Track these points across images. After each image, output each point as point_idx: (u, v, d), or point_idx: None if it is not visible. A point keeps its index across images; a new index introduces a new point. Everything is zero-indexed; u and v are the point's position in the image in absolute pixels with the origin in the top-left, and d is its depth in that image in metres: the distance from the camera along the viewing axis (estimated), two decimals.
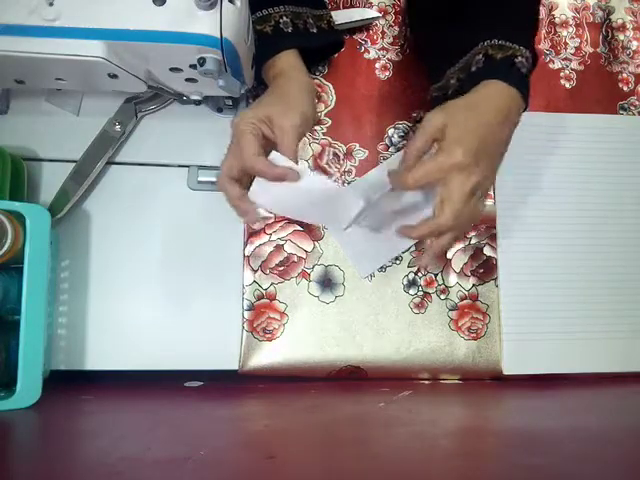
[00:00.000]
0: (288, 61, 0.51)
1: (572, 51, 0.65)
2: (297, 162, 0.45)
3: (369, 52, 0.62)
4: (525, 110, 0.47)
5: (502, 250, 0.59)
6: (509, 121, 0.45)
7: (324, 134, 0.60)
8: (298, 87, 0.49)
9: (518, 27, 0.48)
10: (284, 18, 0.51)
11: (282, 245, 0.57)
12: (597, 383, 0.58)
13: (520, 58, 0.45)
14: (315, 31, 0.53)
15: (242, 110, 0.48)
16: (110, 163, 0.56)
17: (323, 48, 0.55)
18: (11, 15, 0.41)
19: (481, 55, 0.46)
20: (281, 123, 0.45)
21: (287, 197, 0.47)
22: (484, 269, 0.59)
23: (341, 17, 0.59)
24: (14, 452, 0.37)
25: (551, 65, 0.64)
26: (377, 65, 0.62)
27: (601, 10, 0.66)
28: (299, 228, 0.58)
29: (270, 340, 0.56)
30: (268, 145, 0.47)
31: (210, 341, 0.55)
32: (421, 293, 0.58)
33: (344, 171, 0.59)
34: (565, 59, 0.64)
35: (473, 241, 0.59)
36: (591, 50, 0.65)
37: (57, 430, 0.42)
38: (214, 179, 0.58)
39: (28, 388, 0.45)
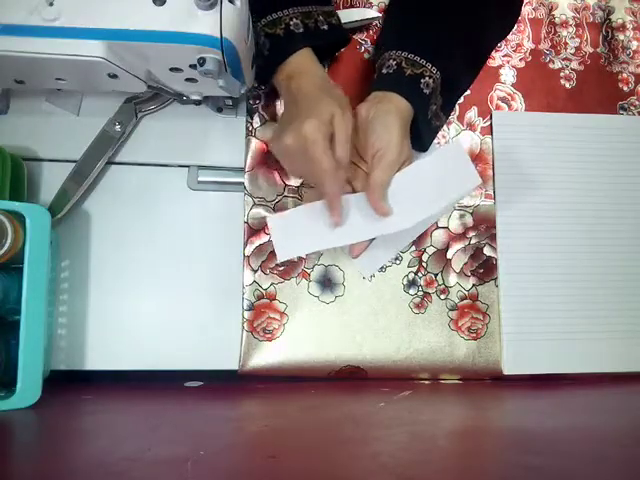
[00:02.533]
0: (303, 59, 0.51)
1: (572, 51, 0.65)
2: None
3: (369, 52, 0.62)
4: (418, 116, 0.51)
5: (502, 250, 0.59)
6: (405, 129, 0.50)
7: None
8: (314, 87, 0.49)
9: (439, 45, 0.52)
10: (294, 20, 0.51)
11: None
12: (597, 383, 0.58)
13: (427, 79, 0.50)
14: (326, 28, 0.53)
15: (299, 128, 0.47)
16: (110, 163, 0.56)
17: (331, 45, 0.55)
18: (11, 15, 0.41)
19: (394, 63, 0.51)
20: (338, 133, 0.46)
21: (314, 230, 0.50)
22: (484, 269, 0.59)
23: (341, 17, 0.59)
24: (14, 452, 0.37)
25: (551, 65, 0.64)
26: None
27: (601, 10, 0.66)
28: None
29: (270, 340, 0.56)
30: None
31: (210, 341, 0.55)
32: (421, 293, 0.58)
33: None
34: (565, 59, 0.64)
35: (473, 241, 0.59)
36: (591, 50, 0.65)
37: (57, 430, 0.42)
38: (214, 179, 0.58)
39: (28, 388, 0.45)
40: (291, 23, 0.51)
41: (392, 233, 0.50)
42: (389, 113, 0.49)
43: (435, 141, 0.60)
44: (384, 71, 0.51)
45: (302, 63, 0.51)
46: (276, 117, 0.59)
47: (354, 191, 0.51)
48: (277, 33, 0.51)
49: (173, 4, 0.42)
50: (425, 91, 0.50)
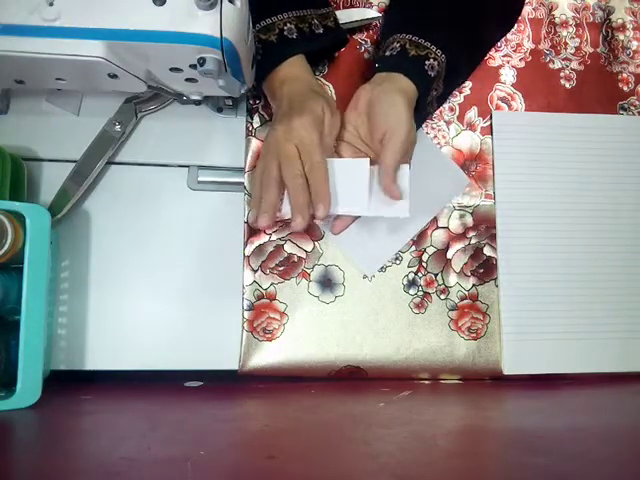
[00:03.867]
0: (294, 66, 0.51)
1: (572, 51, 0.65)
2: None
3: (369, 52, 0.62)
4: (419, 99, 0.50)
5: (502, 250, 0.59)
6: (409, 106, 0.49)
7: None
8: (306, 89, 0.50)
9: (442, 29, 0.52)
10: (288, 25, 0.51)
11: (282, 245, 0.57)
12: (597, 383, 0.58)
13: (432, 61, 0.49)
14: (321, 31, 0.53)
15: (274, 129, 0.49)
16: (110, 163, 0.56)
17: (328, 46, 0.55)
18: (11, 15, 0.41)
19: (398, 45, 0.50)
20: (301, 138, 0.46)
21: None
22: (484, 269, 0.59)
23: (341, 17, 0.59)
24: (14, 452, 0.37)
25: (551, 65, 0.64)
26: None
27: (601, 10, 0.66)
28: None
29: (270, 340, 0.56)
30: None
31: (210, 341, 0.55)
32: (421, 293, 0.58)
33: None
34: (565, 59, 0.64)
35: (473, 241, 0.59)
36: (591, 50, 0.65)
37: (57, 430, 0.42)
38: (214, 179, 0.58)
39: (28, 388, 0.45)
40: (285, 28, 0.51)
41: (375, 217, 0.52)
42: (395, 92, 0.48)
43: (435, 141, 0.60)
44: (387, 53, 0.51)
45: (293, 70, 0.51)
46: None
47: None
48: (270, 39, 0.51)
49: (173, 4, 0.42)
50: (430, 73, 0.49)
